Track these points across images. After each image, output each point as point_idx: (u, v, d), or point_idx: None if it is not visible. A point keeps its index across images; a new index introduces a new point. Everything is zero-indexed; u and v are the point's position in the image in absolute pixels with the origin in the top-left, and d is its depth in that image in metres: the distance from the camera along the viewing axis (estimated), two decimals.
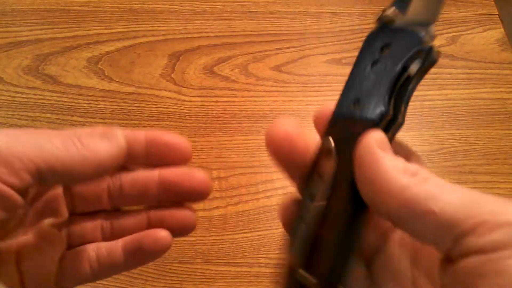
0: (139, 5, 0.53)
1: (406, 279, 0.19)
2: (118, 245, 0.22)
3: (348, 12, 0.54)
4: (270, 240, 0.40)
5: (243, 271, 0.39)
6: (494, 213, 0.14)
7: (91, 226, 0.23)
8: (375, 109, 0.18)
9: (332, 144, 0.18)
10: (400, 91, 0.18)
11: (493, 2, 0.56)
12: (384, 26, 0.19)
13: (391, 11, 0.19)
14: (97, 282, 0.38)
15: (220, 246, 0.40)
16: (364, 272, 0.21)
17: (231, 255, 0.40)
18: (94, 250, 0.22)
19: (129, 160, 0.21)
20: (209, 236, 0.40)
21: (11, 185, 0.17)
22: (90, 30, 0.51)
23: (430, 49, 0.18)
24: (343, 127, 0.18)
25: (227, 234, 0.41)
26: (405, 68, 0.18)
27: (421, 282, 0.18)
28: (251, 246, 0.40)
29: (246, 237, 0.40)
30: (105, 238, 0.23)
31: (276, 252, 0.40)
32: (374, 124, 0.17)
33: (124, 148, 0.20)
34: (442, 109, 0.48)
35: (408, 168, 0.16)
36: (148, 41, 0.50)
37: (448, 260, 0.16)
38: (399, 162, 0.16)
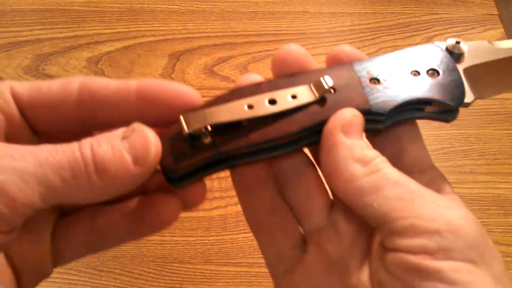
0: (139, 5, 0.53)
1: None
2: (116, 212, 0.19)
3: (348, 12, 0.54)
4: None
5: (243, 271, 0.39)
6: (424, 218, 0.15)
7: None
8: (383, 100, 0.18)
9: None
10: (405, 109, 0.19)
11: (493, 2, 0.56)
12: (449, 51, 0.20)
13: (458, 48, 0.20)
14: (97, 282, 0.38)
15: (220, 246, 0.40)
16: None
17: (231, 255, 0.40)
18: (89, 218, 0.19)
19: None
20: (209, 236, 0.40)
21: None
22: (90, 30, 0.51)
23: (455, 113, 0.19)
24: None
25: (227, 234, 0.41)
26: (429, 102, 0.19)
27: (376, 245, 0.19)
28: (251, 246, 0.40)
29: (246, 237, 0.40)
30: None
31: None
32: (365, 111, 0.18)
33: (154, 168, 0.16)
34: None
35: (363, 156, 0.17)
36: (148, 41, 0.50)
37: (383, 247, 0.17)
38: (357, 148, 0.17)
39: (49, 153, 0.14)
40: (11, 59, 0.48)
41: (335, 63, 0.20)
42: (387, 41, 0.52)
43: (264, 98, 0.17)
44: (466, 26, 0.54)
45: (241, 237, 0.40)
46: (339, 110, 0.18)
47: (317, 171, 0.20)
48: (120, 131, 0.16)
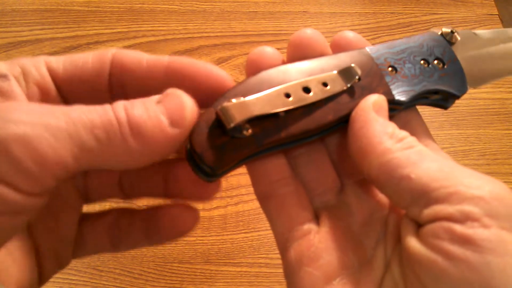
0: (139, 5, 0.53)
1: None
2: (136, 216, 0.20)
3: (348, 12, 0.54)
4: (270, 240, 0.40)
5: (243, 271, 0.39)
6: (467, 185, 0.15)
7: (107, 178, 0.20)
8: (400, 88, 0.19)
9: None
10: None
11: (493, 2, 0.56)
12: (448, 41, 0.21)
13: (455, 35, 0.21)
14: (97, 282, 0.38)
15: (220, 246, 0.40)
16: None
17: (231, 255, 0.40)
18: (113, 216, 0.20)
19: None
20: (209, 236, 0.40)
21: (22, 191, 0.13)
22: (90, 30, 0.51)
23: (454, 100, 0.20)
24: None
25: (227, 234, 0.41)
26: (436, 91, 0.20)
27: (392, 221, 0.19)
28: (251, 246, 0.40)
29: (246, 237, 0.40)
30: (125, 195, 0.21)
31: (276, 252, 0.40)
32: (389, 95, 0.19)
33: (189, 130, 0.16)
34: (442, 109, 0.48)
35: (395, 134, 0.17)
36: (148, 41, 0.50)
37: (416, 223, 0.16)
38: (389, 126, 0.17)
39: (81, 112, 0.14)
40: (11, 59, 0.48)
41: (340, 48, 0.20)
42: (387, 41, 0.52)
43: (299, 86, 0.17)
44: (466, 26, 0.54)
45: (241, 237, 0.40)
46: (366, 97, 0.18)
47: (324, 149, 0.21)
48: (154, 97, 0.15)
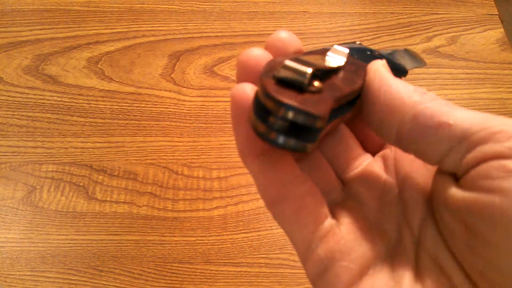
0: (139, 5, 0.53)
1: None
2: None
3: (348, 12, 0.54)
4: (270, 240, 0.40)
5: (243, 271, 0.39)
6: (508, 124, 0.14)
7: None
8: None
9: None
10: None
11: (493, 2, 0.56)
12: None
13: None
14: (97, 282, 0.38)
15: (220, 246, 0.40)
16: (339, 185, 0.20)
17: (231, 255, 0.40)
18: None
19: None
20: (209, 236, 0.40)
21: None
22: (90, 30, 0.51)
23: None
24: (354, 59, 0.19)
25: (227, 234, 0.41)
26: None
27: (408, 197, 0.18)
28: (251, 246, 0.40)
29: (246, 237, 0.40)
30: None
31: (276, 252, 0.40)
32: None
33: None
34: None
35: (417, 89, 0.16)
36: (148, 41, 0.50)
37: (453, 176, 0.16)
38: (407, 84, 0.17)
39: None
40: (11, 59, 0.48)
41: (276, 49, 0.19)
42: (387, 41, 0.52)
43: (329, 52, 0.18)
44: (466, 26, 0.54)
45: (241, 237, 0.40)
46: (372, 62, 0.18)
47: (320, 153, 0.21)
48: None
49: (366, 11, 0.55)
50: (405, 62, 0.23)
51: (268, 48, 0.19)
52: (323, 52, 0.18)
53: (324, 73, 0.17)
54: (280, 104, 0.14)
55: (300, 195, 0.18)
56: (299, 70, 0.15)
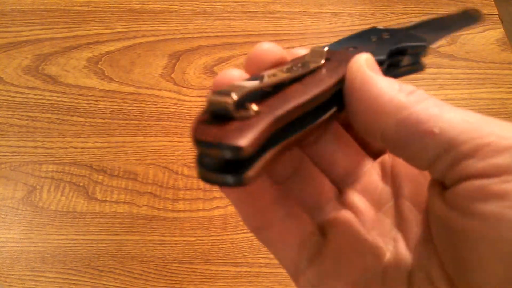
0: (139, 5, 0.53)
1: (387, 204, 0.18)
2: None
3: (348, 12, 0.54)
4: None
5: (243, 271, 0.39)
6: (498, 135, 0.13)
7: None
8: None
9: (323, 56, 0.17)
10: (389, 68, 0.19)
11: (493, 2, 0.56)
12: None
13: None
14: (97, 282, 0.38)
15: (220, 246, 0.40)
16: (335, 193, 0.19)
17: (231, 255, 0.40)
18: None
19: None
20: (209, 236, 0.40)
21: None
22: (90, 30, 0.51)
23: (424, 54, 0.20)
24: (336, 56, 0.18)
25: (227, 234, 0.41)
26: (402, 52, 0.19)
27: (405, 208, 0.17)
28: (251, 246, 0.40)
29: (246, 237, 0.40)
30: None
31: None
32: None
33: None
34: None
35: (403, 88, 0.15)
36: (148, 41, 0.50)
37: (442, 186, 0.14)
38: (393, 81, 0.15)
39: None
40: (11, 59, 0.48)
41: (259, 59, 0.18)
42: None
43: (280, 68, 0.17)
44: None
45: (241, 237, 0.40)
46: (353, 58, 0.16)
47: (312, 164, 0.19)
48: None
49: (366, 11, 0.55)
50: (431, 35, 0.21)
51: (247, 64, 0.18)
52: (303, 57, 0.18)
53: (276, 87, 0.16)
54: (196, 142, 0.14)
55: (280, 218, 0.18)
56: (220, 102, 0.14)
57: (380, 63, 0.18)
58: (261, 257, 0.40)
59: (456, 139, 0.13)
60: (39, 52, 0.49)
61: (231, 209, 0.42)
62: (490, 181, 0.12)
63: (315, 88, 0.16)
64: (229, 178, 0.14)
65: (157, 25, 0.52)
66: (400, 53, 0.19)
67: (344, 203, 0.19)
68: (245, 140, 0.13)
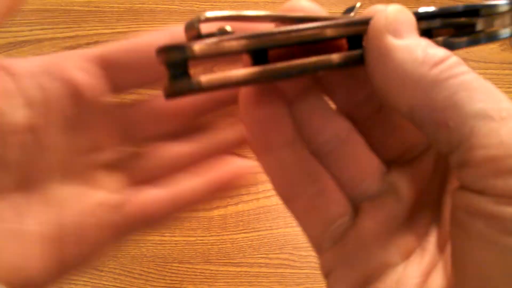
0: (139, 5, 0.53)
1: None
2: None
3: None
4: (270, 240, 0.40)
5: (243, 271, 0.39)
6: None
7: None
8: None
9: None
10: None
11: None
12: None
13: None
14: (97, 282, 0.38)
15: (220, 246, 0.40)
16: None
17: (231, 255, 0.40)
18: None
19: None
20: (209, 236, 0.40)
21: None
22: (90, 30, 0.51)
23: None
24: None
25: (227, 234, 0.41)
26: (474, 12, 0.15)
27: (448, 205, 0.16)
28: (251, 246, 0.40)
29: (246, 237, 0.40)
30: None
31: (276, 252, 0.40)
32: None
33: None
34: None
35: (428, 57, 0.12)
36: None
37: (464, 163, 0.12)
38: (418, 49, 0.13)
39: None
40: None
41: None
42: None
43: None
44: None
45: (241, 237, 0.40)
46: (379, 10, 0.14)
47: (361, 137, 0.17)
48: None
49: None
50: None
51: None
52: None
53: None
54: (157, 53, 0.13)
55: (310, 196, 0.17)
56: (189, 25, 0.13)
57: (430, 17, 0.14)
58: (261, 257, 0.40)
59: (467, 141, 0.12)
60: (39, 52, 0.49)
61: (231, 209, 0.42)
62: (485, 200, 0.11)
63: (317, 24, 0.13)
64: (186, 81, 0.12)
65: (157, 25, 0.52)
66: (471, 14, 0.15)
67: (389, 182, 0.17)
68: (198, 43, 0.12)
